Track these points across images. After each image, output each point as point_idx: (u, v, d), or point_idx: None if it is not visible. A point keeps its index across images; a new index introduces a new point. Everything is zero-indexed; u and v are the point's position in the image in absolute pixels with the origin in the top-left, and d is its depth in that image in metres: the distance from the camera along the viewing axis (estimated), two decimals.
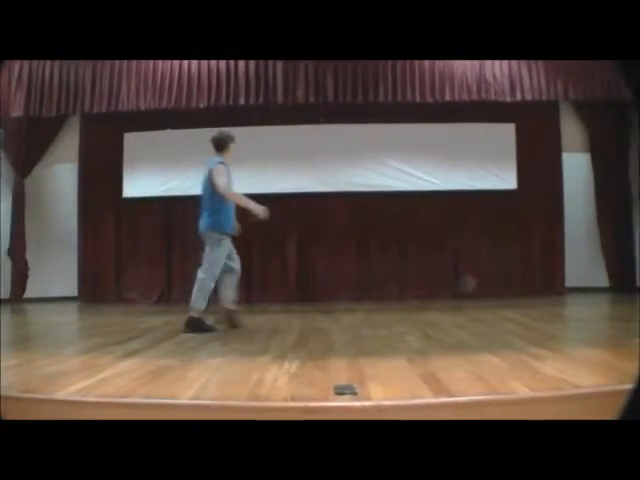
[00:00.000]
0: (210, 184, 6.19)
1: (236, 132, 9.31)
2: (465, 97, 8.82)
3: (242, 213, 6.30)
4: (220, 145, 6.45)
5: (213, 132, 6.53)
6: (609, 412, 3.06)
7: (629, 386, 3.28)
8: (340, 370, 3.87)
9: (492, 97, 8.83)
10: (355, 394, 3.16)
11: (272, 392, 3.28)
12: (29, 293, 9.75)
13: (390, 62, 8.57)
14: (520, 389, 3.23)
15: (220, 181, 6.10)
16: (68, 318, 8.03)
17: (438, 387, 3.29)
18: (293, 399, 3.12)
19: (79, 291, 9.93)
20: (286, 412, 3.00)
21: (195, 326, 5.95)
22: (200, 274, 6.22)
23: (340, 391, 3.20)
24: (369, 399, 3.08)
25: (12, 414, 2.77)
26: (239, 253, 9.69)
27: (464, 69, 8.77)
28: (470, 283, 9.29)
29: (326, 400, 3.09)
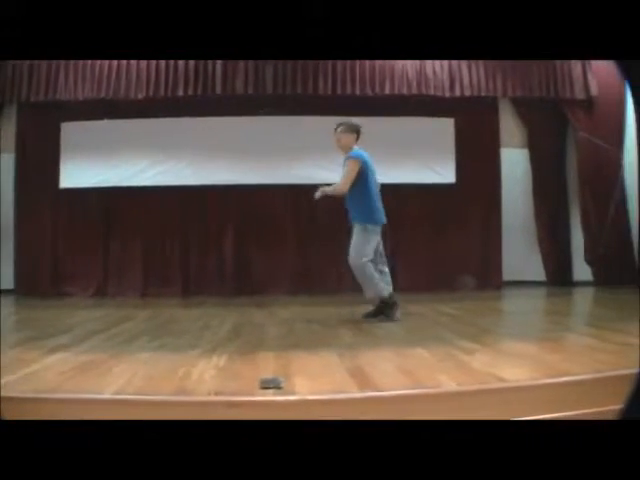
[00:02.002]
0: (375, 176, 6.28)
1: (175, 123, 9.35)
2: (405, 91, 8.88)
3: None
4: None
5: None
6: (534, 406, 3.10)
7: (555, 380, 3.34)
8: (268, 364, 3.86)
9: (432, 92, 8.91)
10: (280, 388, 3.15)
11: (197, 386, 3.26)
12: None
13: None
14: (446, 383, 3.26)
15: None
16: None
17: (364, 381, 3.31)
18: (217, 393, 3.10)
19: (15, 284, 9.73)
20: (208, 406, 2.98)
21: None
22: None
23: (265, 385, 3.18)
24: (293, 393, 3.08)
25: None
26: (175, 245, 9.69)
27: (404, 63, 8.84)
28: (469, 282, 9.31)
29: (250, 394, 3.08)
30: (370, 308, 6.15)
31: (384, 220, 6.25)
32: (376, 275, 6.00)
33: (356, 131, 6.33)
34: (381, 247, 6.25)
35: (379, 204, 6.24)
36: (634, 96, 3.04)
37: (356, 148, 6.26)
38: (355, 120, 6.50)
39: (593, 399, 3.10)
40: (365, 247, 5.99)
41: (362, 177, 6.11)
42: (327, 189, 6.14)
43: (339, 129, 6.36)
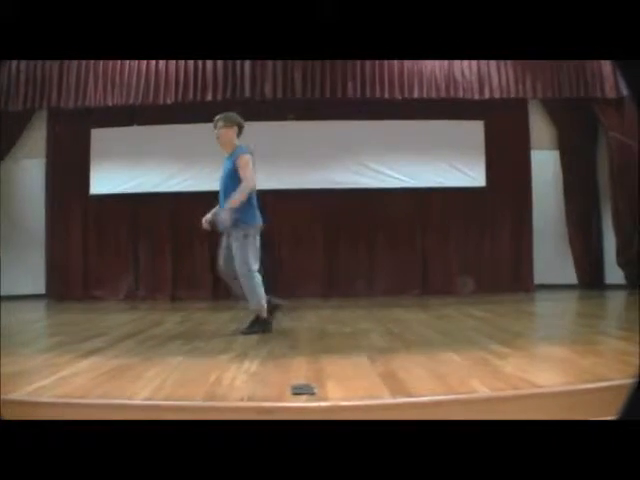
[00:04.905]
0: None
1: (204, 129, 9.31)
2: (434, 94, 8.82)
3: None
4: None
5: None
6: (566, 411, 3.06)
7: (588, 385, 3.29)
8: (300, 369, 3.83)
9: (461, 95, 8.85)
10: (313, 394, 3.12)
11: (229, 392, 3.24)
12: None
13: None
14: (479, 388, 3.21)
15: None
16: (33, 316, 7.90)
17: (397, 387, 3.27)
18: (249, 399, 3.08)
19: (47, 288, 9.82)
20: (239, 412, 2.96)
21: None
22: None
23: (297, 391, 3.15)
24: (326, 399, 3.05)
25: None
26: (204, 249, 9.69)
27: (433, 67, 8.78)
28: (468, 283, 9.25)
29: (282, 400, 3.06)
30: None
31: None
32: (261, 285, 5.55)
33: (238, 124, 5.74)
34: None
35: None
36: (634, 96, 3.00)
37: (239, 144, 5.71)
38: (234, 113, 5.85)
39: None
40: (253, 253, 5.50)
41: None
42: (229, 205, 5.45)
43: (219, 124, 5.70)
